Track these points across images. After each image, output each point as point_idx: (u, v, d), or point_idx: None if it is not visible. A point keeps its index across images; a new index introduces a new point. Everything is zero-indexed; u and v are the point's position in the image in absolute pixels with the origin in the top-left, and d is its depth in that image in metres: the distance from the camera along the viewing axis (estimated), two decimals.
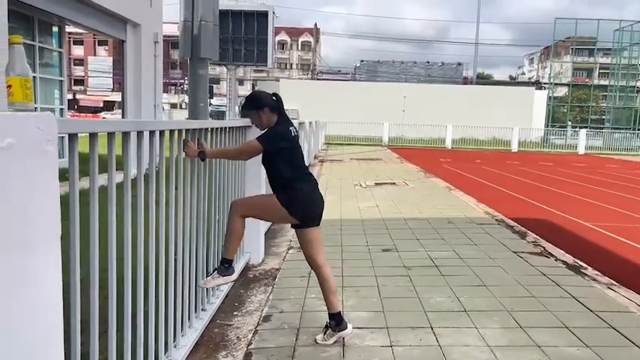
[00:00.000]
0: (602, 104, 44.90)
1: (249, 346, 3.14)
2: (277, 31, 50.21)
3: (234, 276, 3.27)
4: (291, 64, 74.53)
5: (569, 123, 38.90)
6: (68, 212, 1.72)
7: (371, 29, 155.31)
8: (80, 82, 63.56)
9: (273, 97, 3.23)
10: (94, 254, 1.91)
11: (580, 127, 33.27)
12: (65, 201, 1.60)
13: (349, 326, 3.20)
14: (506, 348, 3.13)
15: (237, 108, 24.69)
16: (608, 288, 4.32)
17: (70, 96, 42.67)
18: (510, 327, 3.45)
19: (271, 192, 3.22)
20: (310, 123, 14.23)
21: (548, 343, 3.20)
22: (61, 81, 11.82)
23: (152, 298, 2.51)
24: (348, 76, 67.85)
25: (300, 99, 28.09)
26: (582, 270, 4.83)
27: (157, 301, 2.57)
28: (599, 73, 48.17)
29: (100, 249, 1.94)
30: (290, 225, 3.28)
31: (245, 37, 20.32)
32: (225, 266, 3.17)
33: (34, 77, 6.32)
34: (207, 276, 3.24)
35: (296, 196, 3.10)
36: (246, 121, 4.31)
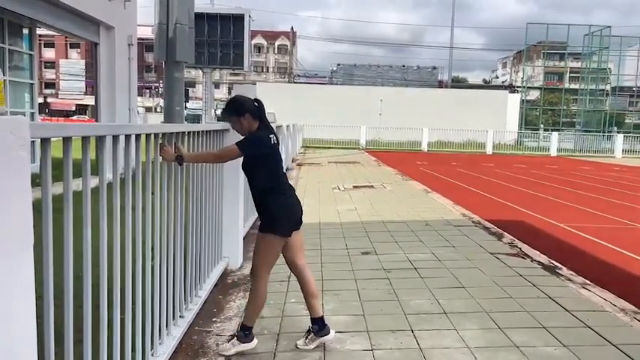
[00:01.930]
0: (573, 107, 46.02)
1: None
2: (254, 34, 50.14)
3: (254, 343, 3.13)
4: (268, 68, 74.40)
5: (542, 126, 39.76)
6: (41, 218, 1.66)
7: (347, 33, 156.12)
8: (51, 85, 62.29)
9: (255, 103, 3.18)
10: (68, 261, 1.85)
11: (552, 130, 34.03)
12: (37, 207, 1.55)
13: (332, 331, 3.19)
14: (486, 349, 3.16)
15: (213, 112, 24.48)
16: (583, 287, 4.40)
17: (41, 99, 41.69)
18: (489, 328, 3.48)
19: (252, 199, 3.20)
20: (288, 126, 14.18)
21: (526, 343, 3.24)
22: (32, 84, 11.55)
23: (129, 306, 2.45)
24: (325, 79, 68.11)
25: (278, 102, 28.00)
26: (557, 270, 4.92)
27: (133, 308, 2.51)
28: (569, 76, 49.34)
29: (74, 256, 1.89)
30: None
31: (221, 40, 20.17)
32: (245, 333, 3.10)
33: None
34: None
35: (273, 215, 3.05)
36: (224, 125, 4.28)
